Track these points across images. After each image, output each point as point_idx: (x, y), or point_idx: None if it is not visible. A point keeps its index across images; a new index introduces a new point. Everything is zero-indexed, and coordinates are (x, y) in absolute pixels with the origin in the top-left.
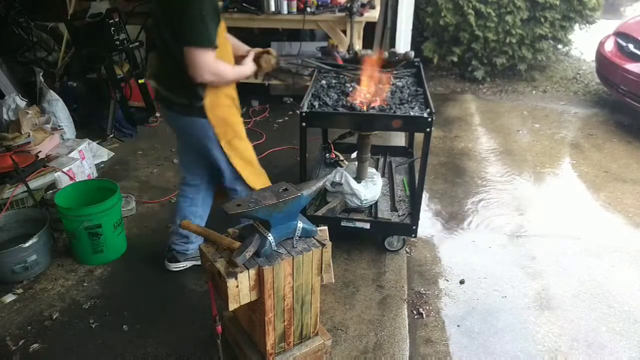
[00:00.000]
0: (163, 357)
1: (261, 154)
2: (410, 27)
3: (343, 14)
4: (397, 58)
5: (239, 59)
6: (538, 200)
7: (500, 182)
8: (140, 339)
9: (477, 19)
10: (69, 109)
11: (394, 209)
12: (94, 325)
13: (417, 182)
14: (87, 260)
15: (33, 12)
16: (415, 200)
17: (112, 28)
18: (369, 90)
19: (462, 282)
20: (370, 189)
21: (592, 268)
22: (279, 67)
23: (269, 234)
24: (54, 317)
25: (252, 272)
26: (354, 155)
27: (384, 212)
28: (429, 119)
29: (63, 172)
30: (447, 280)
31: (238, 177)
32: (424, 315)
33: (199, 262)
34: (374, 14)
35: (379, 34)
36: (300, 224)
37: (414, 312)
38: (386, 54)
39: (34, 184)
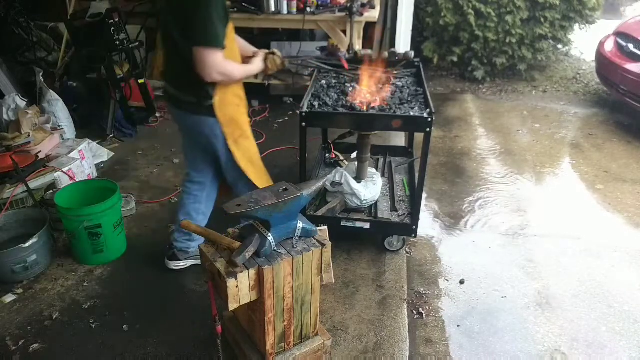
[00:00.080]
0: (163, 357)
1: (261, 154)
2: (410, 27)
3: (343, 14)
4: (397, 58)
5: (245, 60)
6: (538, 200)
7: (500, 182)
8: (140, 339)
9: (477, 19)
10: (69, 109)
11: (394, 209)
12: (94, 325)
13: (417, 182)
14: (87, 260)
15: (33, 12)
16: (415, 200)
17: (112, 28)
18: (369, 90)
19: (462, 282)
20: (370, 189)
21: (592, 268)
22: (284, 68)
23: (269, 234)
24: (54, 317)
25: (252, 272)
26: (354, 155)
27: (384, 212)
28: (429, 119)
29: (63, 172)
30: (447, 280)
31: (242, 175)
32: (424, 315)
33: (199, 262)
34: (374, 14)
35: (379, 34)
36: (300, 224)
37: (414, 312)
38: (386, 54)
39: (34, 184)
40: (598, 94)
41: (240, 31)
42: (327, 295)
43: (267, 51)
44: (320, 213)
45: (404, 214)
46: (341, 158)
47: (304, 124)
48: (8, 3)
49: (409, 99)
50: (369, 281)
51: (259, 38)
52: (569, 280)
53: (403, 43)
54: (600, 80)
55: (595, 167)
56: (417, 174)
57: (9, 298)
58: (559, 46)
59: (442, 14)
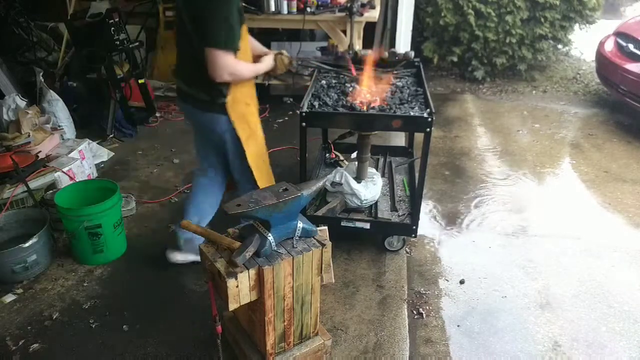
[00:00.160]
0: (163, 357)
1: None
2: (410, 27)
3: (343, 14)
4: (397, 58)
5: (255, 59)
6: (538, 200)
7: (500, 182)
8: (140, 339)
9: (477, 19)
10: (69, 109)
11: (394, 209)
12: (94, 325)
13: (417, 182)
14: (87, 260)
15: (33, 12)
16: (415, 200)
17: (112, 28)
18: (369, 90)
19: (462, 282)
20: (370, 189)
21: (592, 268)
22: (292, 68)
23: (269, 234)
24: (54, 317)
25: (252, 272)
26: (354, 155)
27: (384, 212)
28: (429, 119)
29: (63, 172)
30: (447, 280)
31: (247, 173)
32: (424, 315)
33: (198, 258)
34: (374, 14)
35: (379, 34)
36: (300, 224)
37: (414, 312)
38: (386, 53)
39: (34, 184)
40: (598, 94)
41: None
42: (327, 295)
43: (276, 51)
44: (320, 213)
45: (404, 214)
46: (341, 158)
47: (304, 124)
48: (8, 3)
49: (409, 99)
50: (369, 281)
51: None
52: (569, 280)
53: (403, 43)
54: (600, 80)
55: (595, 167)
56: (417, 174)
57: (9, 298)
58: (559, 46)
59: (442, 14)
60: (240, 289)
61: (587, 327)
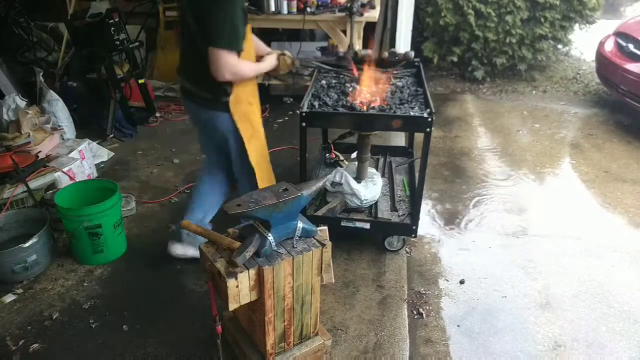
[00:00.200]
0: (163, 357)
1: None
2: (410, 27)
3: (343, 14)
4: (397, 58)
5: (258, 59)
6: (538, 200)
7: (501, 182)
8: (140, 339)
9: (477, 19)
10: (69, 109)
11: (394, 209)
12: (94, 325)
13: (417, 182)
14: (87, 260)
15: (33, 12)
16: (415, 200)
17: (112, 28)
18: (369, 90)
19: (462, 282)
20: (370, 189)
21: (592, 268)
22: (294, 68)
23: (269, 234)
24: (54, 317)
25: (252, 272)
26: (354, 155)
27: (384, 212)
28: (429, 119)
29: (63, 172)
30: (447, 280)
31: (248, 172)
32: (424, 315)
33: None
34: (374, 14)
35: (379, 34)
36: (300, 224)
37: (414, 312)
38: (386, 53)
39: (34, 184)
40: (598, 94)
41: None
42: (327, 295)
43: (279, 51)
44: (320, 213)
45: (404, 214)
46: (341, 158)
47: (304, 124)
48: (8, 3)
49: (409, 99)
50: (369, 281)
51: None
52: (569, 280)
53: (403, 43)
54: (600, 80)
55: (595, 167)
56: (417, 174)
57: (9, 298)
58: (559, 46)
59: (442, 14)
60: (240, 289)
61: (587, 327)
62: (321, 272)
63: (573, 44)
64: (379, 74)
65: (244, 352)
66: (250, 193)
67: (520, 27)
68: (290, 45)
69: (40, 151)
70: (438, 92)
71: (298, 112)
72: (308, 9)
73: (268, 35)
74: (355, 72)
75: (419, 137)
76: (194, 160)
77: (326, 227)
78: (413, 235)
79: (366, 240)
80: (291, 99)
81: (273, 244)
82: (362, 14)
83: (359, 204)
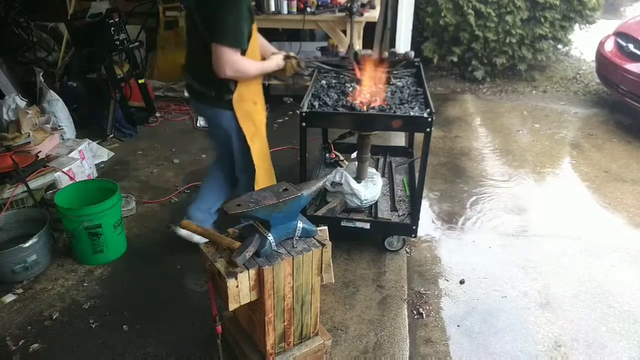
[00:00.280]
0: (163, 357)
1: None
2: (410, 27)
3: (343, 14)
4: (397, 58)
5: (263, 59)
6: (538, 200)
7: (501, 182)
8: (140, 339)
9: (477, 19)
10: (69, 109)
11: (394, 209)
12: (94, 325)
13: (417, 182)
14: (87, 260)
15: (33, 12)
16: (415, 200)
17: (112, 28)
18: (369, 90)
19: (462, 282)
20: (370, 189)
21: (592, 268)
22: (300, 70)
23: (269, 234)
24: (54, 317)
25: (252, 272)
26: (354, 155)
27: (384, 212)
28: (429, 119)
29: (63, 172)
30: (447, 280)
31: (249, 171)
32: (424, 315)
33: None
34: (374, 14)
35: (379, 34)
36: (300, 224)
37: (414, 312)
38: (386, 53)
39: (34, 184)
40: (598, 94)
41: None
42: (327, 295)
43: (284, 53)
44: (320, 213)
45: (404, 214)
46: (341, 158)
47: (304, 124)
48: (8, 3)
49: (409, 99)
50: (369, 281)
51: None
52: (569, 280)
53: (403, 43)
54: (600, 80)
55: (595, 167)
56: (417, 174)
57: (9, 298)
58: (559, 46)
59: (442, 14)
60: (240, 289)
61: (587, 327)
62: (321, 272)
63: (573, 44)
64: (380, 74)
65: (244, 352)
66: (250, 193)
67: (520, 27)
68: (290, 45)
69: (40, 151)
70: (438, 92)
71: (298, 112)
72: (308, 9)
73: (268, 35)
74: (358, 74)
75: (419, 137)
76: (194, 160)
77: (326, 227)
78: (413, 235)
79: (366, 240)
80: (291, 99)
81: (273, 244)
82: (362, 14)
83: (359, 204)
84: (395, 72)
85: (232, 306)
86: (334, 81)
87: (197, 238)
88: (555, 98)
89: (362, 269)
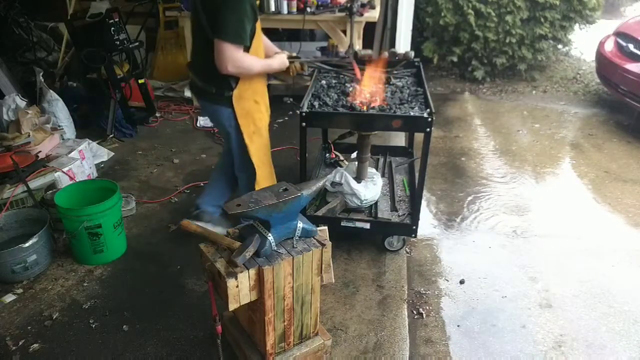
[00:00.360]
0: (163, 357)
1: None
2: (410, 27)
3: (343, 14)
4: (397, 58)
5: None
6: (538, 200)
7: (501, 182)
8: (140, 339)
9: (477, 19)
10: (69, 109)
11: (394, 209)
12: (94, 325)
13: (417, 182)
14: (87, 260)
15: (33, 12)
16: (415, 200)
17: (112, 28)
18: (369, 90)
19: (462, 282)
20: (370, 189)
21: (592, 268)
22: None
23: (269, 234)
24: (54, 317)
25: (252, 272)
26: (354, 155)
27: (384, 212)
28: (429, 119)
29: (63, 172)
30: (447, 280)
31: (247, 170)
32: (424, 315)
33: (215, 229)
34: (374, 14)
35: (379, 34)
36: (300, 224)
37: (414, 312)
38: (386, 53)
39: (34, 184)
40: (598, 94)
41: None
42: (327, 295)
43: (288, 53)
44: (320, 213)
45: (404, 214)
46: (341, 158)
47: (304, 124)
48: (8, 3)
49: (409, 99)
50: (369, 281)
51: None
52: (569, 280)
53: (403, 43)
54: (600, 80)
55: (595, 167)
56: (417, 174)
57: (9, 298)
58: (559, 46)
59: (442, 14)
60: (240, 289)
61: (587, 327)
62: (321, 272)
63: (573, 44)
64: (380, 74)
65: (244, 352)
66: (250, 193)
67: (520, 27)
68: (290, 45)
69: (40, 151)
70: (438, 92)
71: (298, 112)
72: (308, 9)
73: (268, 35)
74: (358, 74)
75: (419, 137)
76: (194, 160)
77: (326, 227)
78: (413, 235)
79: (366, 240)
80: (291, 99)
81: (273, 244)
82: (362, 14)
83: (359, 204)
84: (395, 72)
85: (232, 306)
86: (334, 81)
87: (210, 227)
88: (555, 98)
89: (362, 269)
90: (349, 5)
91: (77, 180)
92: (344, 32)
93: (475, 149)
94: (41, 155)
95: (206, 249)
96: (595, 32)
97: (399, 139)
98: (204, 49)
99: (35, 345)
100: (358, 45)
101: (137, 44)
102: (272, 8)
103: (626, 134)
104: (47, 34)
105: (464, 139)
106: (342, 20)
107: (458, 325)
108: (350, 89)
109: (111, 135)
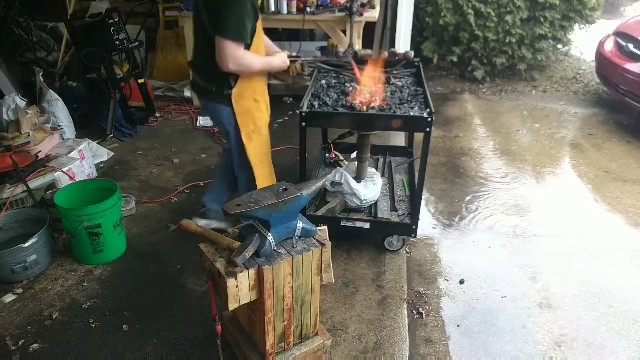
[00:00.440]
0: (163, 357)
1: None
2: (410, 27)
3: (343, 14)
4: (397, 58)
5: None
6: (538, 200)
7: (501, 182)
8: (140, 339)
9: (477, 19)
10: (69, 109)
11: (394, 209)
12: (94, 325)
13: (417, 182)
14: (87, 260)
15: (33, 12)
16: (415, 200)
17: (112, 28)
18: (369, 90)
19: (462, 282)
20: (370, 189)
21: (592, 268)
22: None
23: (269, 234)
24: (54, 317)
25: (252, 272)
26: (354, 155)
27: (384, 212)
28: (429, 119)
29: (63, 172)
30: (447, 280)
31: (247, 169)
32: (424, 315)
33: (221, 226)
34: (374, 14)
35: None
36: (300, 224)
37: (414, 312)
38: (386, 53)
39: (34, 184)
40: (598, 94)
41: None
42: (327, 295)
43: (289, 53)
44: (320, 213)
45: (404, 214)
46: (341, 158)
47: (304, 124)
48: (8, 3)
49: (409, 99)
50: (369, 281)
51: None
52: (569, 280)
53: (403, 43)
54: (600, 80)
55: (595, 167)
56: (417, 174)
57: (9, 298)
58: (559, 46)
59: (442, 14)
60: (240, 289)
61: (587, 327)
62: (321, 272)
63: (573, 44)
64: (380, 74)
65: (244, 352)
66: (250, 193)
67: (520, 27)
68: (290, 45)
69: (40, 151)
70: (438, 92)
71: (298, 112)
72: (308, 9)
73: (268, 35)
74: (358, 74)
75: (419, 137)
76: (194, 160)
77: (326, 227)
78: (413, 235)
79: (366, 240)
80: (291, 99)
81: (273, 244)
82: (362, 14)
83: (359, 204)
84: (395, 72)
85: (232, 306)
86: (334, 81)
87: (216, 225)
88: (555, 98)
89: (362, 269)
90: (349, 5)
91: (77, 180)
92: (344, 32)
93: (475, 149)
94: (41, 155)
95: (206, 249)
96: (595, 32)
97: (399, 139)
98: (206, 47)
99: (35, 345)
100: (358, 45)
101: (137, 44)
102: (272, 8)
103: (626, 134)
104: (47, 34)
105: (464, 139)
106: (342, 20)
107: (458, 325)
108: (350, 89)
109: (111, 135)
